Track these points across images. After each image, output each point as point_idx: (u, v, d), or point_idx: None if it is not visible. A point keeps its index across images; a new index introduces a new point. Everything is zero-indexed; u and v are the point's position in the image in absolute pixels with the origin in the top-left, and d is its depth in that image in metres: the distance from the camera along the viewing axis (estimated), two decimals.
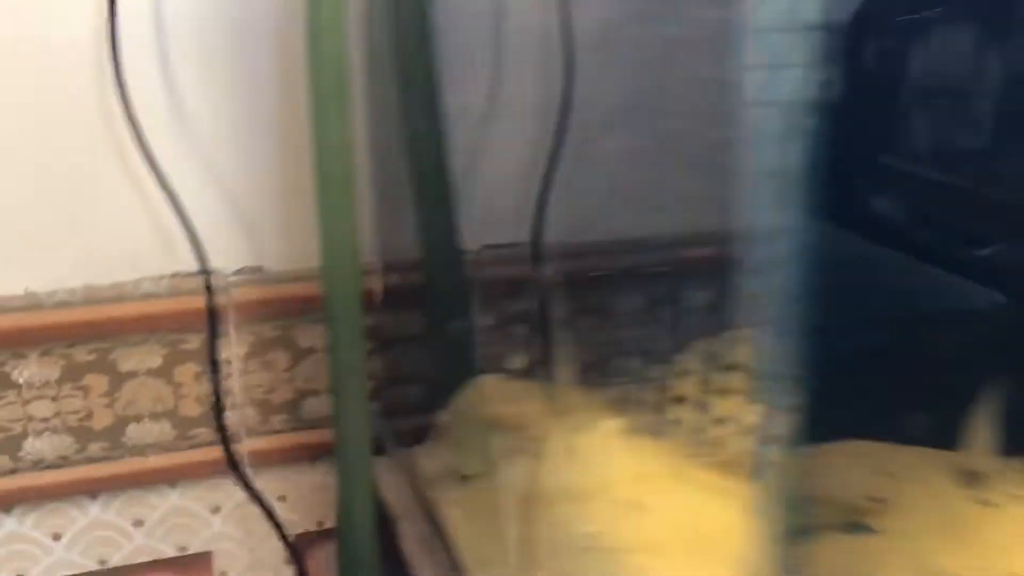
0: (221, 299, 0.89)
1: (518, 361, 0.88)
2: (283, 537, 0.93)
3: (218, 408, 0.88)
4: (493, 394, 0.83)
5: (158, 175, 0.82)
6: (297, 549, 0.99)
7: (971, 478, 0.73)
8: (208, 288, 0.86)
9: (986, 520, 0.70)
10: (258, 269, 0.89)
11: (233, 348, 0.90)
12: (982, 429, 0.73)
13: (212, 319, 0.86)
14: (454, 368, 0.87)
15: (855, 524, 0.70)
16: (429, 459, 0.83)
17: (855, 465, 0.77)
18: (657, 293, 0.93)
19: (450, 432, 0.75)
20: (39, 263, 0.84)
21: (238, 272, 0.89)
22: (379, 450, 0.84)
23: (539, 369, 0.85)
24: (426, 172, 0.83)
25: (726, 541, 0.67)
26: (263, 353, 0.91)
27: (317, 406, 0.95)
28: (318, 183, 0.73)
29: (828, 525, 0.70)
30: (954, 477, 0.74)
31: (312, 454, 0.96)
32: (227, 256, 0.88)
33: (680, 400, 0.81)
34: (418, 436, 0.87)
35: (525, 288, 0.89)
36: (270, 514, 0.92)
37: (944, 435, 0.74)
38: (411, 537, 0.77)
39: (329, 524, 0.99)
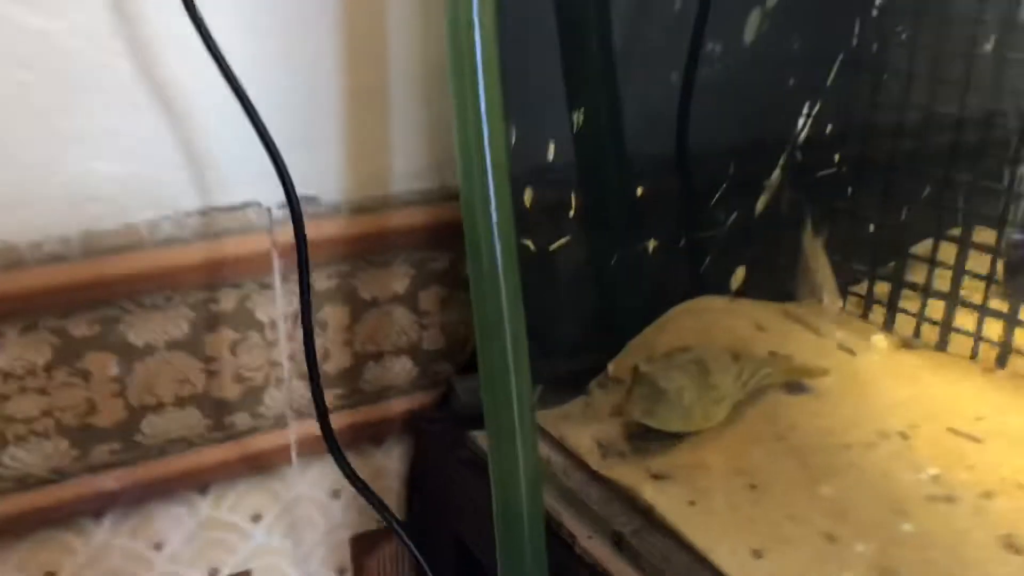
0: (260, 240, 0.67)
1: (736, 278, 0.70)
2: (394, 524, 0.72)
3: (314, 378, 0.67)
4: (714, 317, 0.66)
5: (224, 70, 0.58)
6: (356, 555, 0.79)
7: (808, 326, 0.71)
8: (296, 218, 0.63)
9: (861, 367, 0.67)
10: (312, 200, 0.68)
11: (278, 305, 0.69)
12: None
13: (303, 252, 0.64)
14: (639, 296, 0.68)
15: (795, 384, 0.64)
16: (597, 415, 0.65)
17: (727, 321, 0.70)
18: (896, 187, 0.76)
19: (643, 377, 0.58)
20: (17, 202, 0.59)
21: (284, 205, 0.67)
22: None
23: (764, 285, 0.69)
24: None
25: None
26: (315, 309, 0.70)
27: (381, 374, 0.75)
28: (451, 68, 0.53)
29: (769, 385, 0.64)
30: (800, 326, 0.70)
31: (375, 434, 0.76)
32: (267, 183, 0.66)
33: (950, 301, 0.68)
34: (577, 386, 0.68)
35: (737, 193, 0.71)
36: (377, 504, 0.71)
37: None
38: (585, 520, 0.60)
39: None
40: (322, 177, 0.68)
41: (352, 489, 0.76)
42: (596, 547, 0.58)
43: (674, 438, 0.60)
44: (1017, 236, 0.68)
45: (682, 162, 0.68)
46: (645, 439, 0.61)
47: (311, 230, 0.67)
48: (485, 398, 0.56)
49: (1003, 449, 0.58)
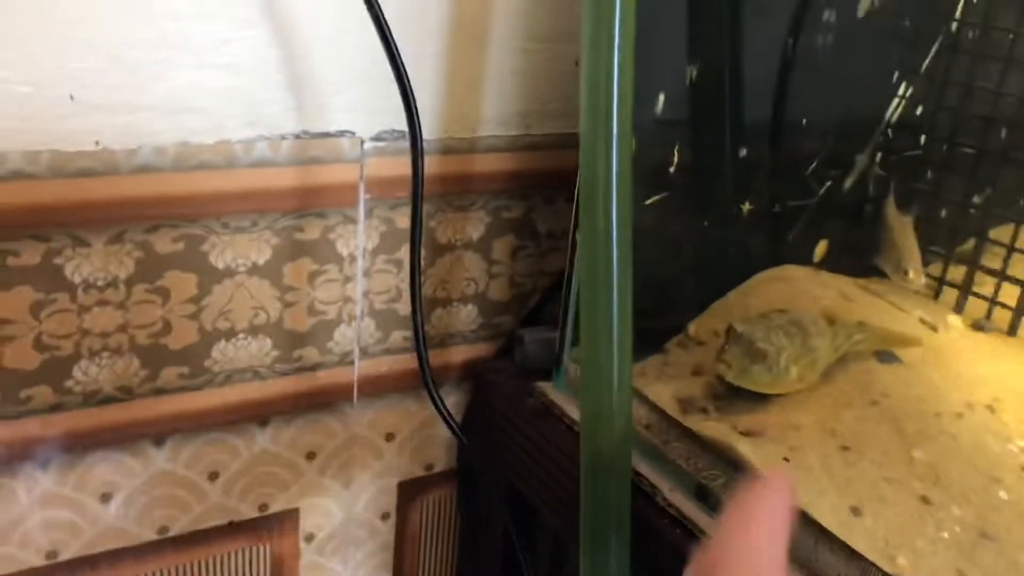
0: (350, 172, 0.66)
1: (819, 250, 0.70)
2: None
3: (416, 312, 0.66)
4: (800, 285, 0.66)
5: None
6: (401, 501, 0.78)
7: (888, 300, 0.71)
8: (416, 150, 0.62)
9: (944, 343, 0.68)
10: (402, 136, 0.67)
11: (360, 239, 0.68)
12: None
13: (418, 185, 0.63)
14: (725, 259, 0.68)
15: (885, 353, 0.64)
16: (677, 373, 0.65)
17: (813, 290, 0.70)
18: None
19: (740, 337, 0.58)
20: (120, 106, 0.57)
21: (377, 138, 0.66)
22: None
23: (843, 260, 0.69)
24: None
25: None
26: (394, 248, 0.69)
27: (447, 320, 0.74)
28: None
29: (860, 353, 0.64)
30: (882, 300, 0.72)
31: (435, 380, 0.75)
32: (361, 115, 0.65)
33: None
34: (653, 345, 0.68)
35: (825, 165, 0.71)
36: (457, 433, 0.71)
37: None
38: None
39: (440, 467, 0.79)
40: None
41: (405, 434, 0.75)
42: (679, 499, 0.58)
43: (761, 398, 0.60)
44: None
45: (779, 130, 0.68)
46: (730, 399, 0.62)
47: (399, 167, 0.66)
48: (585, 346, 0.56)
49: None
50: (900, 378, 0.61)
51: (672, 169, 0.65)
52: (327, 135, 0.64)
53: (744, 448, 0.56)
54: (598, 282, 0.55)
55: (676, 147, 0.64)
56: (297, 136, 0.63)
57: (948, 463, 0.55)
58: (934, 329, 0.67)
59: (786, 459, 0.56)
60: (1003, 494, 0.53)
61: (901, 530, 0.51)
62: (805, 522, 0.52)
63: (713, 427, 0.59)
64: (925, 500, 0.53)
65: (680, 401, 0.63)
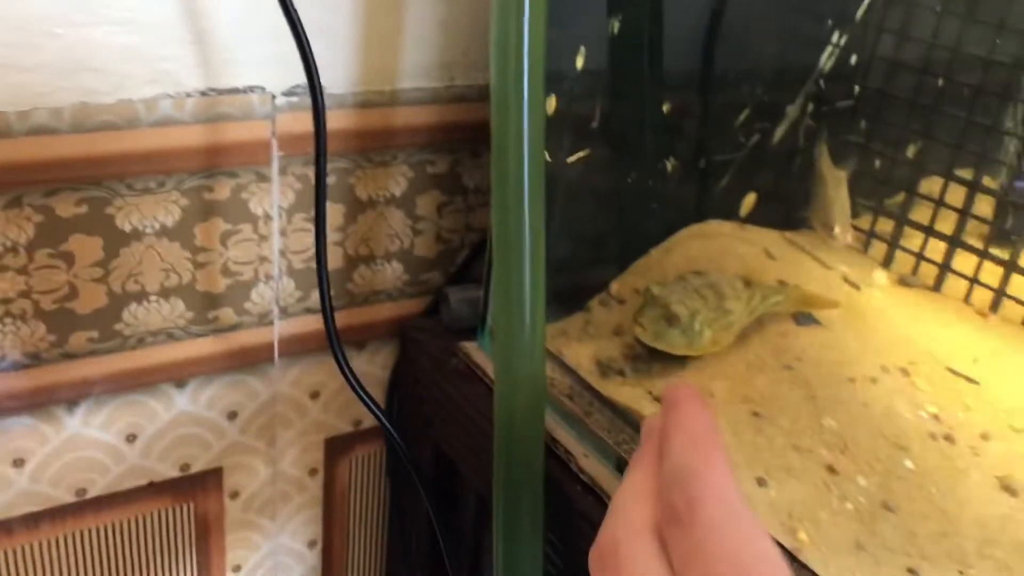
0: (261, 128, 0.64)
1: (746, 203, 0.69)
2: (383, 419, 0.71)
3: (322, 274, 0.64)
4: (724, 242, 0.65)
5: None
6: (328, 457, 0.78)
7: (814, 257, 0.71)
8: (317, 105, 0.60)
9: (865, 302, 0.67)
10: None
11: (275, 197, 0.66)
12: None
13: (321, 141, 0.61)
14: (649, 216, 0.67)
15: (803, 315, 0.64)
16: (598, 333, 0.64)
17: (736, 247, 0.70)
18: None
19: (655, 299, 0.57)
20: (10, 66, 0.55)
21: (290, 92, 0.64)
22: None
23: (770, 213, 0.68)
24: None
25: None
26: (311, 206, 0.67)
27: (370, 277, 0.72)
28: None
29: (778, 315, 0.64)
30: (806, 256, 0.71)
31: (359, 338, 0.74)
32: (272, 70, 0.63)
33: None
34: (576, 303, 0.67)
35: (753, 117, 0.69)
36: (368, 400, 0.70)
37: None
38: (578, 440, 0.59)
39: (369, 423, 0.78)
40: (330, 66, 0.64)
41: (331, 391, 0.75)
42: (593, 465, 0.58)
43: (678, 361, 0.60)
44: (1020, 183, 0.69)
45: (707, 81, 0.66)
46: (647, 360, 0.61)
47: (312, 121, 0.64)
48: (497, 308, 0.55)
49: (998, 393, 0.59)
50: (817, 341, 0.60)
51: (595, 125, 0.63)
52: (235, 91, 0.62)
53: (650, 415, 0.56)
54: (509, 246, 0.53)
55: (599, 102, 0.62)
56: (203, 93, 0.61)
57: (857, 431, 0.55)
58: (856, 288, 0.66)
59: None
60: (908, 463, 0.53)
61: (805, 502, 0.51)
62: None
63: (622, 392, 0.58)
64: (831, 470, 0.53)
65: (599, 363, 0.63)
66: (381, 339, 0.75)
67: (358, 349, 0.74)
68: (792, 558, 0.48)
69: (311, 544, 0.81)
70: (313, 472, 0.78)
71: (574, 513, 0.57)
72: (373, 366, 0.76)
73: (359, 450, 0.79)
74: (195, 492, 0.72)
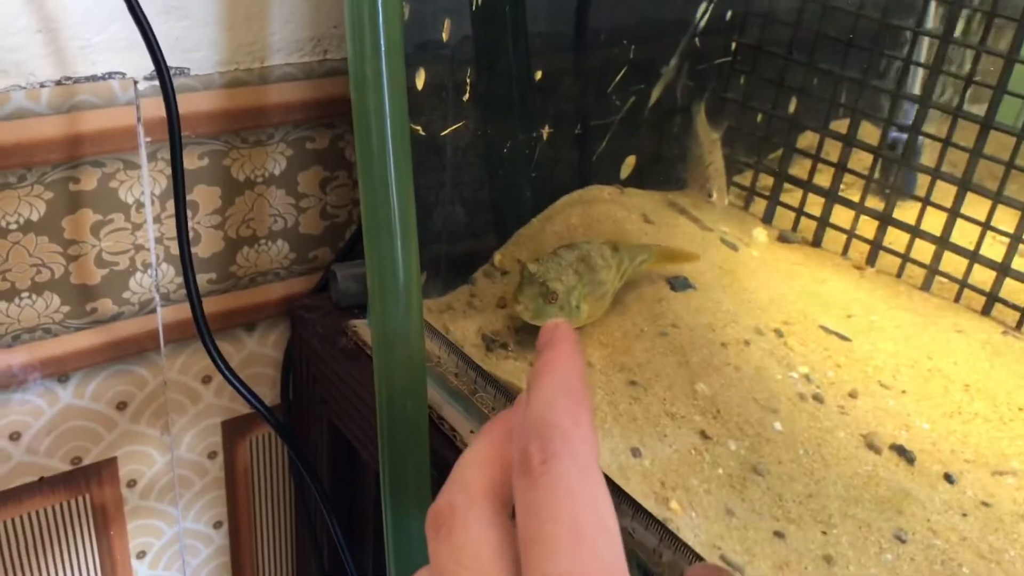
0: (125, 115, 0.62)
1: (627, 166, 0.68)
2: (264, 412, 0.71)
3: (186, 262, 0.63)
4: (603, 208, 0.65)
5: None
6: (227, 439, 0.77)
7: (693, 218, 0.71)
8: (165, 90, 0.58)
9: (742, 262, 0.68)
10: (182, 71, 0.63)
11: (145, 185, 0.64)
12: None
13: (174, 128, 0.59)
14: (529, 184, 0.66)
15: (678, 280, 0.65)
16: (482, 306, 0.64)
17: (614, 212, 0.70)
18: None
19: (533, 277, 0.57)
20: None
21: (152, 77, 0.62)
22: None
23: (653, 174, 0.67)
24: None
25: (957, 363, 0.57)
26: (185, 190, 0.66)
27: (255, 258, 0.71)
28: None
29: (655, 281, 0.65)
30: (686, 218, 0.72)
31: (248, 320, 0.73)
32: (133, 54, 0.61)
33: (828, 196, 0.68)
34: (461, 275, 0.67)
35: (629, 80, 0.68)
36: (246, 393, 0.69)
37: None
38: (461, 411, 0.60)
39: (267, 403, 0.77)
40: (193, 46, 0.63)
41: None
42: None
43: None
44: (894, 135, 0.70)
45: (580, 45, 0.65)
46: (530, 332, 0.61)
47: (182, 104, 0.62)
48: (371, 286, 0.54)
49: (869, 348, 0.61)
50: (692, 306, 0.61)
51: (466, 98, 0.62)
52: (94, 78, 0.60)
53: None
54: (379, 225, 0.53)
55: (468, 73, 0.61)
56: (58, 82, 0.59)
57: (729, 395, 0.56)
58: (734, 248, 0.67)
59: None
60: (777, 425, 0.54)
61: (678, 469, 0.52)
62: None
63: (504, 367, 0.58)
64: (704, 435, 0.54)
65: (484, 337, 0.63)
66: (272, 319, 0.75)
67: (248, 331, 0.74)
68: (663, 529, 0.49)
69: (217, 525, 0.80)
70: (212, 455, 0.77)
71: None
72: (265, 347, 0.75)
73: (258, 430, 0.79)
74: (90, 484, 0.71)
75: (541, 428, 0.30)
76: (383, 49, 0.50)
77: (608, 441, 0.53)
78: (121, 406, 0.70)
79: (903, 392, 0.57)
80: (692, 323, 0.60)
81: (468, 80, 0.63)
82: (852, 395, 0.57)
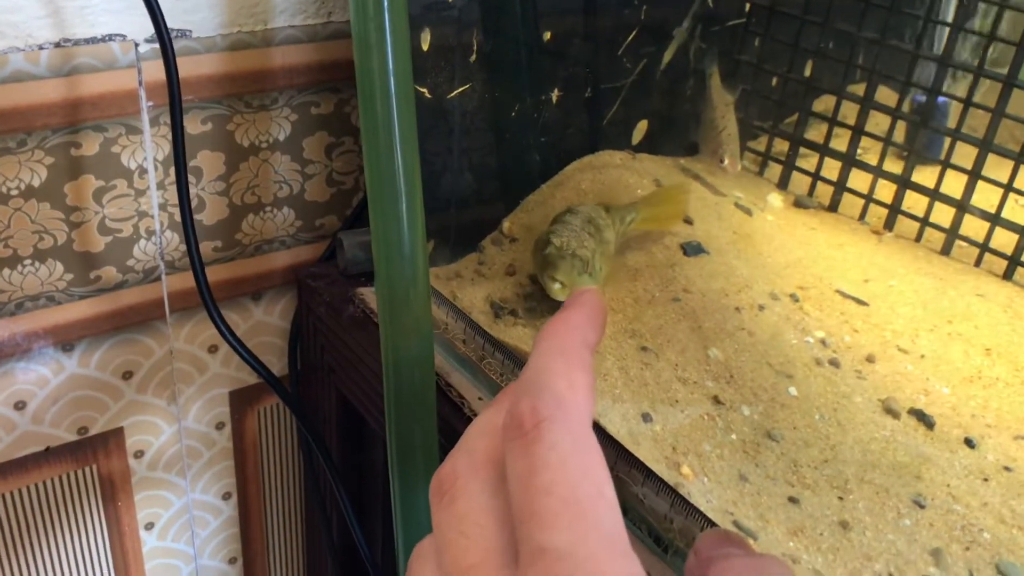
0: (126, 78, 0.61)
1: (638, 131, 0.67)
2: (271, 382, 0.70)
3: (188, 230, 0.62)
4: (614, 173, 0.63)
5: None
6: (235, 410, 0.76)
7: (706, 184, 0.69)
8: (166, 52, 0.57)
9: (757, 227, 0.66)
10: (184, 34, 0.62)
11: (147, 150, 0.63)
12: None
13: (175, 92, 0.58)
14: (539, 149, 0.65)
15: (691, 245, 0.63)
16: (490, 274, 0.63)
17: (626, 177, 0.69)
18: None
19: (557, 254, 0.56)
20: None
21: (153, 39, 0.61)
22: None
23: (665, 140, 0.66)
24: None
25: (978, 327, 0.56)
26: (189, 155, 0.65)
27: (260, 226, 0.70)
28: None
29: (668, 247, 0.63)
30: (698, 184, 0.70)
31: (254, 289, 0.72)
32: (134, 15, 0.60)
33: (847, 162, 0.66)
34: (468, 243, 0.65)
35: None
36: (254, 363, 0.68)
37: None
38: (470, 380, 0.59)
39: (275, 373, 0.76)
40: (194, 8, 0.61)
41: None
42: None
43: None
44: (919, 97, 0.68)
45: (590, 6, 0.64)
46: (540, 299, 0.60)
47: (183, 68, 0.61)
48: (377, 251, 0.53)
49: (887, 312, 0.59)
50: (705, 271, 0.60)
51: (473, 59, 0.61)
52: (93, 40, 0.59)
53: None
54: (384, 191, 0.52)
55: (475, 35, 0.60)
56: (57, 44, 0.58)
57: (743, 360, 0.55)
58: (748, 212, 0.66)
59: None
60: (792, 390, 0.53)
61: (690, 434, 0.51)
62: (595, 430, 0.51)
63: (513, 334, 0.57)
64: (717, 401, 0.53)
65: (492, 304, 0.62)
66: (278, 288, 0.74)
67: (255, 300, 0.73)
68: (675, 494, 0.48)
69: (226, 496, 0.80)
70: (220, 426, 0.76)
71: None
72: (272, 316, 0.74)
73: (267, 400, 0.78)
74: (97, 454, 0.71)
75: (534, 390, 0.29)
76: (386, 7, 0.49)
77: (618, 407, 0.52)
78: (127, 375, 0.69)
79: (922, 357, 0.56)
80: (705, 288, 0.59)
81: (475, 41, 0.61)
82: (869, 360, 0.55)
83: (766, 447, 0.50)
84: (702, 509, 0.46)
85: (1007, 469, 0.49)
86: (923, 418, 0.52)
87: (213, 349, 0.73)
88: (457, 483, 0.29)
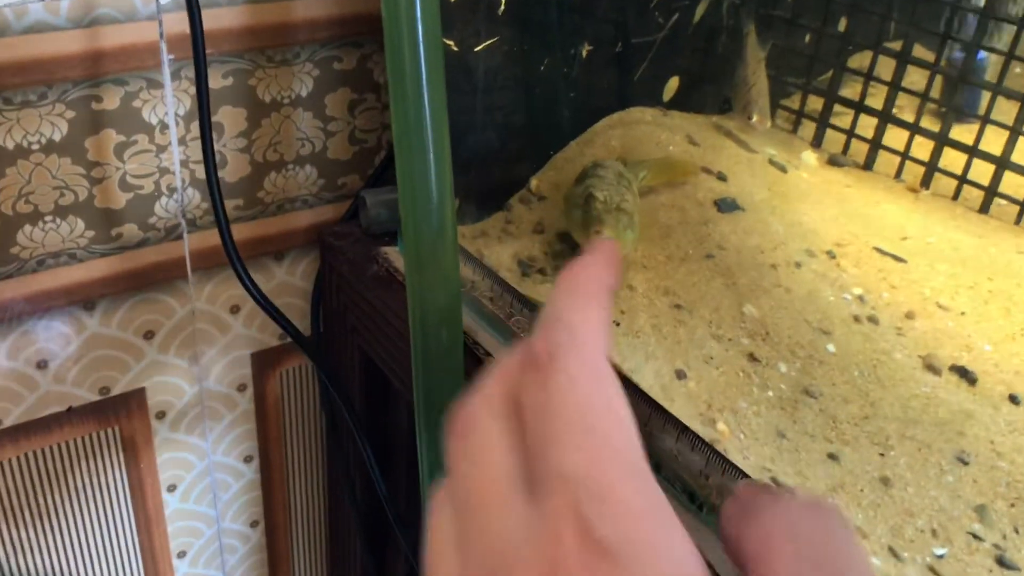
0: (147, 30, 0.59)
1: (669, 88, 0.65)
2: (300, 340, 0.69)
3: (213, 187, 0.61)
4: (645, 130, 0.62)
5: None
6: (257, 372, 0.76)
7: (739, 141, 0.68)
8: (190, 3, 0.56)
9: (792, 184, 0.65)
10: None
11: (169, 104, 0.62)
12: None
13: (199, 43, 0.57)
14: (568, 106, 0.63)
15: (725, 201, 0.62)
16: (518, 232, 0.62)
17: (658, 134, 0.67)
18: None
19: (603, 209, 0.54)
20: None
21: None
22: None
23: (696, 97, 0.64)
24: None
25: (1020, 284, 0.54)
26: (211, 110, 0.63)
27: (283, 184, 0.69)
28: None
29: (701, 203, 0.62)
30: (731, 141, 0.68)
31: (276, 248, 0.71)
32: None
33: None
34: (495, 201, 0.64)
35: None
36: (282, 321, 0.68)
37: None
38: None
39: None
40: None
41: (252, 304, 0.72)
42: None
43: None
44: (957, 54, 0.66)
45: None
46: (569, 256, 0.59)
47: (208, 19, 0.60)
48: (404, 205, 0.52)
49: (926, 270, 0.58)
50: (739, 228, 0.59)
51: (501, 11, 0.60)
52: None
53: None
54: (411, 143, 0.50)
55: None
56: None
57: (779, 317, 0.53)
58: (783, 170, 0.64)
59: (616, 323, 0.54)
60: (831, 347, 0.52)
61: (725, 391, 0.50)
62: (629, 388, 0.50)
63: (542, 291, 0.56)
64: (753, 358, 0.52)
65: (520, 262, 0.61)
66: (301, 248, 0.73)
67: (277, 260, 0.72)
68: (711, 450, 0.47)
69: (247, 459, 0.79)
70: (242, 387, 0.76)
71: None
72: (294, 276, 0.73)
73: (288, 362, 0.77)
74: (119, 415, 0.70)
75: (547, 325, 0.29)
76: None
77: (651, 363, 0.51)
78: (148, 335, 0.68)
79: (962, 314, 0.55)
80: (740, 245, 0.57)
81: None
82: (909, 316, 0.54)
83: (804, 404, 0.49)
84: (739, 465, 0.45)
85: None
86: (965, 375, 0.50)
87: (235, 309, 0.72)
88: (471, 421, 0.29)
